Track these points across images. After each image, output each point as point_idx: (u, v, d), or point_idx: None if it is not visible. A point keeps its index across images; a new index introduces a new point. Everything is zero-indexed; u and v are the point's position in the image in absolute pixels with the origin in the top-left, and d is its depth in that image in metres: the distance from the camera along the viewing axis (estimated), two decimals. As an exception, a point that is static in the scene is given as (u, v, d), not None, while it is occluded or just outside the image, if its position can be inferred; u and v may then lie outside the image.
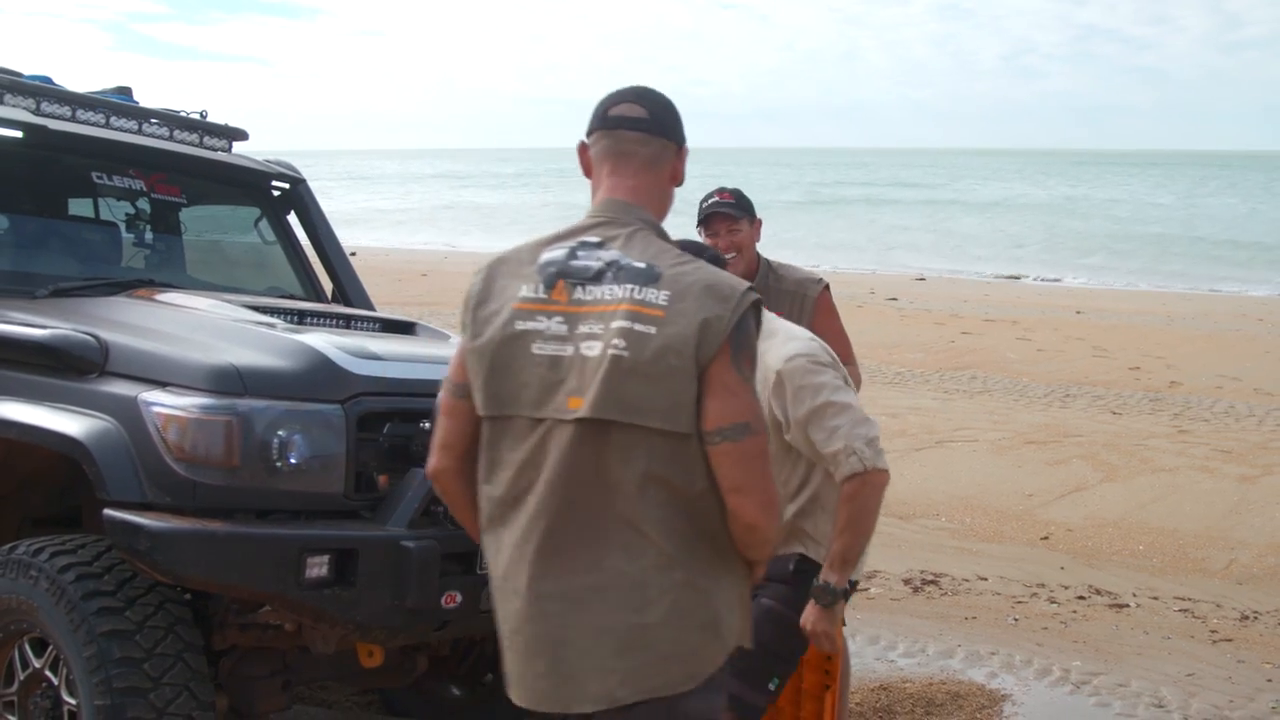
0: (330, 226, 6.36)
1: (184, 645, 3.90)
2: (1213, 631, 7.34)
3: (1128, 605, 7.76)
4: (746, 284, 2.72)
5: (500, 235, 50.44)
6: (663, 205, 2.91)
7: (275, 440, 3.85)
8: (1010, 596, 7.83)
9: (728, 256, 5.03)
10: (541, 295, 2.73)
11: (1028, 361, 16.92)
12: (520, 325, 2.72)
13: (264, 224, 6.30)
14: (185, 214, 6.03)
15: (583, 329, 2.67)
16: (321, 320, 4.95)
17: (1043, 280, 33.49)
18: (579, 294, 2.70)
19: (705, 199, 5.15)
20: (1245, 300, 28.59)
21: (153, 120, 5.88)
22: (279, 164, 6.36)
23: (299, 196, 6.30)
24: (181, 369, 3.95)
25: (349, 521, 4.00)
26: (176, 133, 5.95)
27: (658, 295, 2.64)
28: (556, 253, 2.77)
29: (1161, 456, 11.69)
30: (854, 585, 3.98)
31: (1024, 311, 22.69)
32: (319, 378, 4.01)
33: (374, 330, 5.01)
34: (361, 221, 51.14)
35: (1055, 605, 7.69)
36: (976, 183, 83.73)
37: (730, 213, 4.95)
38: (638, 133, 2.85)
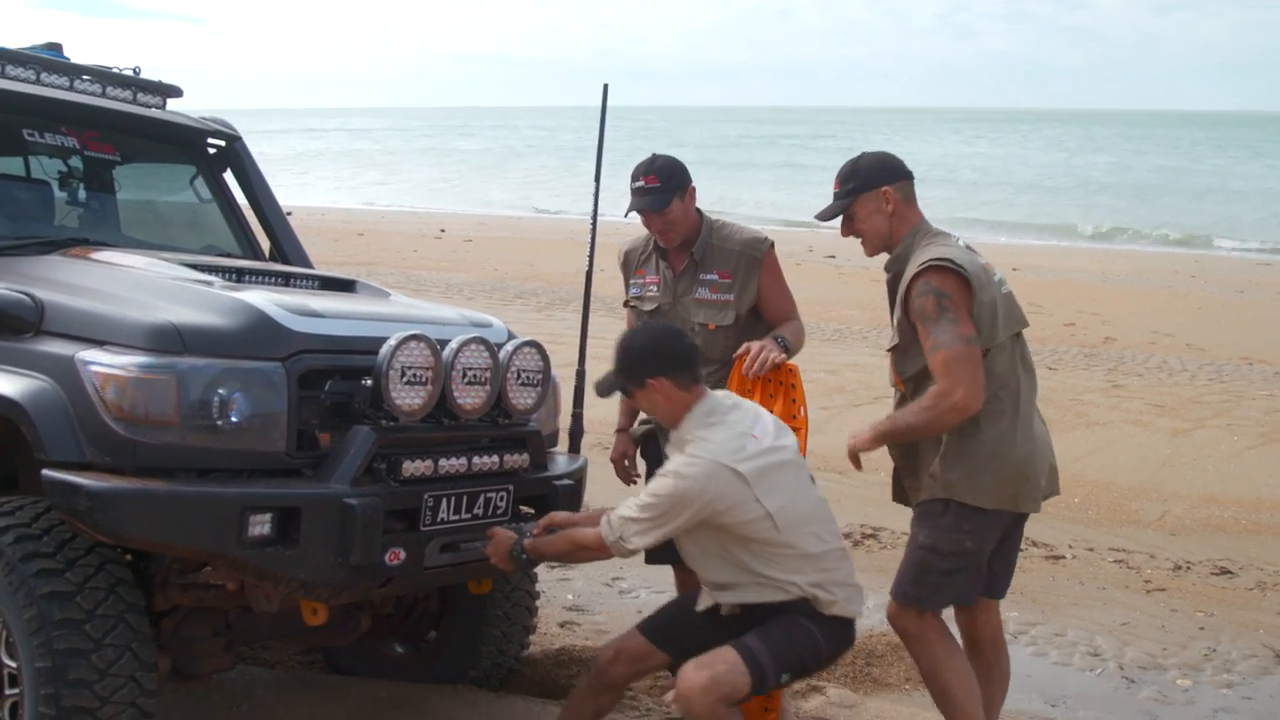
0: (267, 184, 6.29)
1: (125, 606, 3.87)
2: (1146, 581, 7.48)
3: (1064, 557, 7.89)
4: None
5: (443, 195, 50.22)
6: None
7: (215, 399, 3.81)
8: (948, 550, 7.91)
9: (661, 234, 5.13)
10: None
11: (965, 318, 17.03)
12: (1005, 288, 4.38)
13: (199, 182, 6.22)
14: (119, 172, 5.94)
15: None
16: (260, 278, 4.90)
17: (981, 239, 33.70)
18: None
19: (633, 179, 5.14)
20: (1178, 258, 28.98)
21: (84, 77, 5.78)
22: (214, 121, 6.28)
23: (235, 154, 6.22)
24: (119, 328, 3.91)
25: (291, 480, 3.96)
26: (109, 89, 5.85)
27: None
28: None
29: (1096, 411, 11.87)
30: None
31: (961, 269, 22.81)
32: (259, 335, 3.98)
33: (314, 288, 4.97)
34: (295, 184, 50.62)
35: (993, 557, 7.78)
36: (914, 141, 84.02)
37: (652, 206, 5.04)
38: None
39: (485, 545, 4.26)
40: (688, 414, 4.16)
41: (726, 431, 4.09)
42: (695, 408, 4.16)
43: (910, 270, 4.26)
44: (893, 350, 4.41)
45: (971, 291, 4.21)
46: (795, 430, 4.73)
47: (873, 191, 4.48)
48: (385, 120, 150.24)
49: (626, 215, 5.12)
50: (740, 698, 3.99)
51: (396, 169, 65.74)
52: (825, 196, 4.71)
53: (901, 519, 8.35)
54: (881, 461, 9.49)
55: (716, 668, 3.96)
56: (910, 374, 4.35)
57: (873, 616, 6.60)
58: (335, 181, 57.09)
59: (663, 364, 4.17)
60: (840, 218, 4.58)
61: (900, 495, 4.69)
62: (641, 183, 5.09)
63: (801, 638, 4.08)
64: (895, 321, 4.40)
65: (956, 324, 4.15)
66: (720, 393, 4.35)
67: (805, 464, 4.31)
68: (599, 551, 4.14)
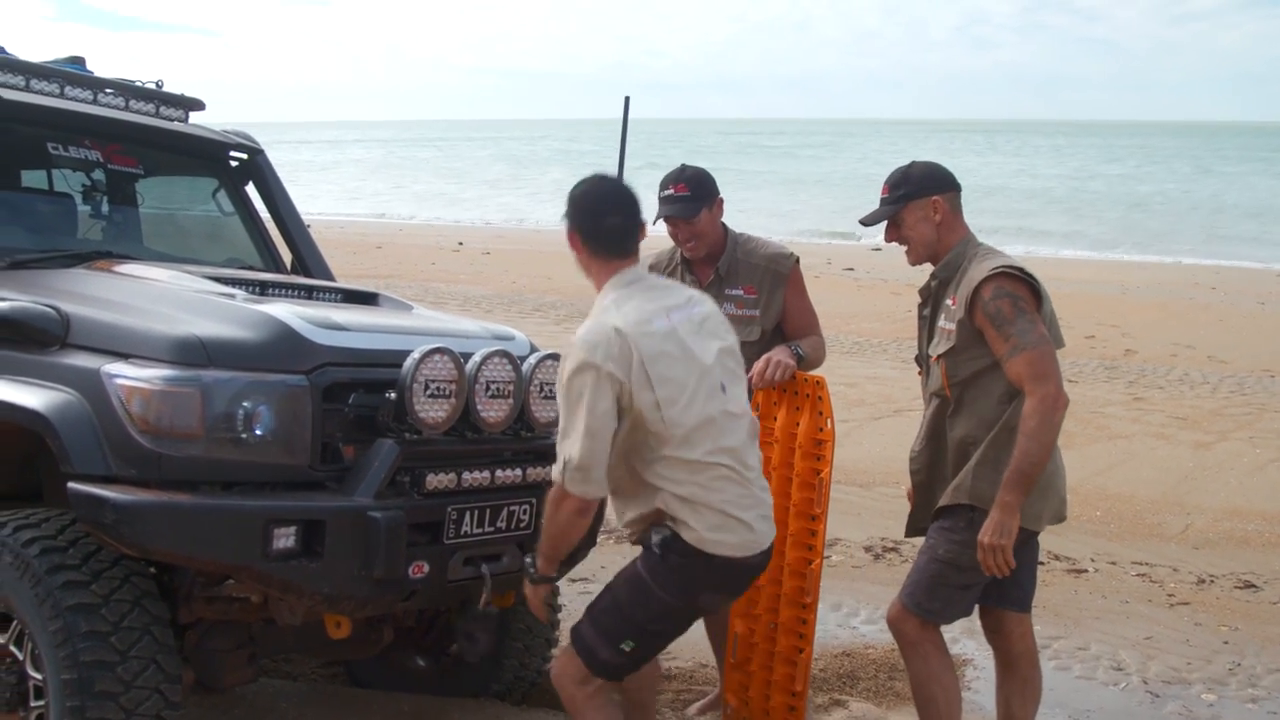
0: (289, 197, 6.32)
1: (150, 618, 3.88)
2: (1170, 595, 7.45)
3: (1086, 570, 7.86)
4: None
5: (459, 206, 50.35)
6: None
7: (240, 411, 3.83)
8: (970, 563, 7.88)
9: (686, 244, 5.12)
10: None
11: (984, 330, 16.99)
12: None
13: (222, 195, 6.24)
14: (142, 185, 5.97)
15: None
16: (283, 291, 4.92)
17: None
18: None
19: (662, 187, 5.16)
20: (1198, 269, 28.86)
21: (108, 90, 5.82)
22: (236, 134, 6.30)
23: (257, 167, 6.25)
24: (144, 341, 3.93)
25: (315, 493, 3.99)
26: (132, 103, 5.89)
27: None
28: None
29: (1117, 424, 11.83)
30: None
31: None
32: (283, 348, 3.99)
33: (336, 301, 4.99)
34: (315, 195, 50.79)
35: (1014, 571, 7.76)
36: (931, 155, 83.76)
37: (682, 214, 5.05)
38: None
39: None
40: (607, 283, 3.95)
41: (637, 303, 3.85)
42: (615, 276, 3.94)
43: (977, 274, 4.26)
44: (946, 355, 4.38)
45: (1039, 301, 4.23)
46: (822, 443, 4.73)
47: (922, 200, 4.48)
48: (399, 132, 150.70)
49: (655, 222, 5.12)
50: (584, 677, 3.94)
51: (412, 182, 65.86)
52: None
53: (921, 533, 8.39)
54: (903, 476, 9.47)
55: (559, 658, 4.06)
56: (962, 377, 4.33)
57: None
58: (351, 194, 57.23)
59: (579, 220, 3.96)
60: (885, 224, 4.58)
61: (916, 528, 4.66)
62: (671, 190, 5.10)
63: (630, 597, 3.89)
64: (946, 327, 4.38)
65: (1035, 324, 4.17)
66: (656, 275, 4.15)
67: (734, 375, 4.01)
68: (565, 503, 3.79)
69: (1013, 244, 34.71)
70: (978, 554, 4.18)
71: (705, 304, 4.07)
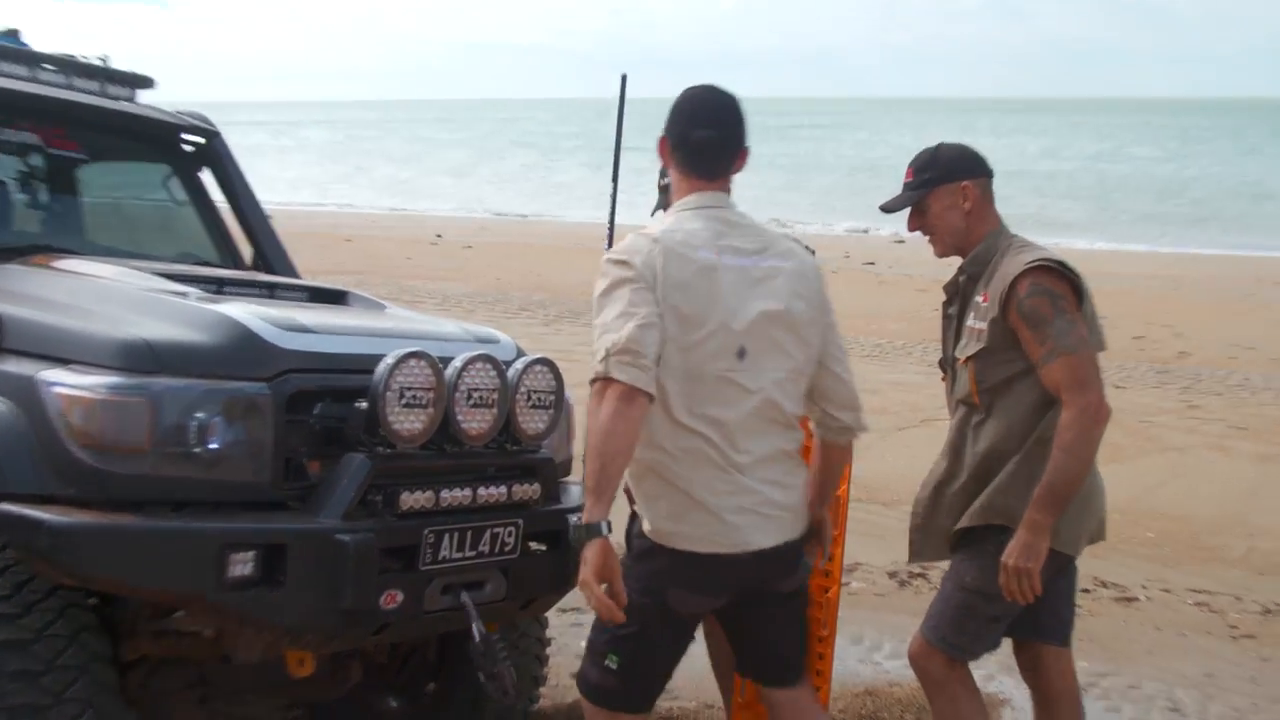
0: (249, 185, 6.31)
1: (89, 656, 3.85)
2: (1232, 627, 7.43)
3: (1137, 599, 7.84)
4: None
5: (435, 196, 50.39)
6: None
7: (193, 423, 3.80)
8: (1007, 590, 7.86)
9: None
10: None
11: (1021, 331, 16.99)
12: None
13: (174, 182, 6.25)
14: (85, 171, 5.98)
15: None
16: (242, 289, 4.91)
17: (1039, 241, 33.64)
18: None
19: (663, 174, 5.13)
20: (1261, 262, 28.88)
21: (47, 66, 5.81)
22: (191, 115, 6.30)
23: (213, 151, 6.25)
24: (86, 345, 3.91)
25: (277, 513, 3.96)
26: (74, 80, 5.89)
27: None
28: None
29: (1170, 434, 11.82)
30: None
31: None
32: (242, 353, 3.98)
33: (301, 300, 4.98)
34: (275, 182, 50.81)
35: (1057, 599, 7.74)
36: (961, 136, 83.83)
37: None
38: None
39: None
40: (683, 199, 3.93)
41: (694, 226, 3.81)
42: (691, 196, 3.91)
43: (1012, 268, 4.23)
44: (975, 357, 4.34)
45: (1080, 298, 4.21)
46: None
47: (951, 185, 4.44)
48: (370, 113, 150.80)
49: (653, 214, 5.10)
50: (598, 701, 3.97)
51: (385, 168, 65.90)
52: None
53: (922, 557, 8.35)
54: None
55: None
56: (992, 383, 4.29)
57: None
58: (315, 182, 57.27)
59: (671, 125, 3.94)
60: (908, 211, 4.54)
61: (923, 550, 4.62)
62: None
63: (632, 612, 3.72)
64: (976, 327, 4.35)
65: (1075, 325, 4.13)
66: (742, 213, 3.98)
67: (770, 345, 3.83)
68: (609, 394, 3.57)
69: (1048, 235, 34.75)
70: (1000, 577, 4.13)
71: (787, 260, 3.92)
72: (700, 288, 3.72)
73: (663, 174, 5.07)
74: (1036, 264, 4.19)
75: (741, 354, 3.78)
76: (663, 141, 3.95)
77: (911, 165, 4.54)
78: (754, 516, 3.83)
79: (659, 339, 3.63)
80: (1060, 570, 4.28)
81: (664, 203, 5.02)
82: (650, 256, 3.69)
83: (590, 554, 3.59)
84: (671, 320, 3.67)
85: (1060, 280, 4.19)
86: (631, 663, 3.91)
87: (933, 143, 4.66)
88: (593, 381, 3.62)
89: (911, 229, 4.58)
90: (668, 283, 3.67)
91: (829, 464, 4.14)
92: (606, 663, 3.89)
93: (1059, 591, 4.38)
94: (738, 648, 4.27)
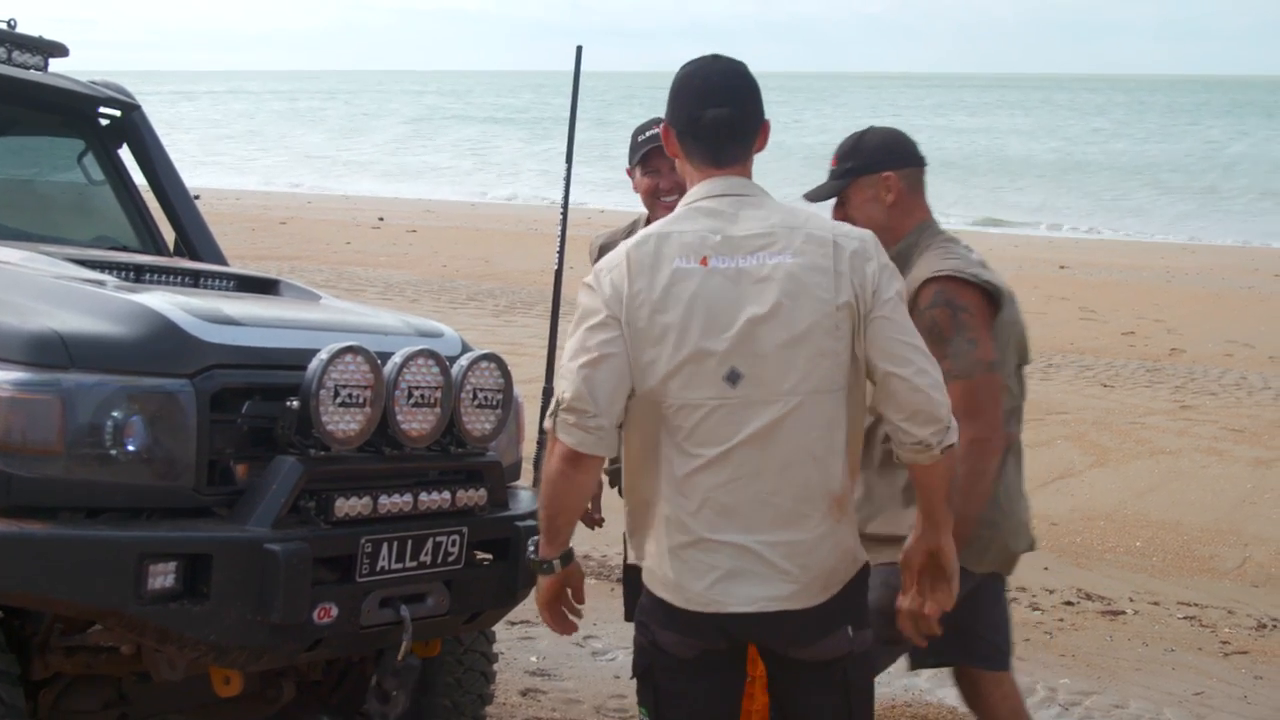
0: (171, 163, 6.27)
1: (-4, 674, 3.83)
2: (1224, 643, 7.49)
3: (1124, 612, 7.89)
4: None
5: (372, 177, 50.29)
6: None
7: (108, 423, 3.78)
8: (987, 603, 7.90)
9: (668, 198, 5.03)
10: None
11: (1004, 325, 17.08)
12: None
13: (89, 159, 6.21)
14: (-10, 147, 5.93)
15: None
16: (164, 277, 4.89)
17: (1021, 229, 33.81)
18: None
19: (641, 130, 5.13)
20: (1259, 253, 29.11)
21: (-54, 31, 5.76)
22: (108, 86, 6.25)
23: (133, 126, 6.21)
24: None
25: (201, 521, 3.93)
26: (-23, 47, 5.83)
27: None
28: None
29: (1161, 437, 11.89)
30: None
31: (999, 266, 22.65)
32: (162, 347, 3.94)
33: (228, 289, 4.96)
34: (205, 161, 50.59)
35: (1039, 613, 7.80)
36: (941, 114, 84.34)
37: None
38: None
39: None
40: (691, 189, 3.63)
41: (690, 225, 3.51)
42: (701, 186, 3.60)
43: (921, 272, 4.19)
44: None
45: (993, 308, 4.17)
46: None
47: (873, 175, 4.38)
48: (305, 84, 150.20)
49: (632, 165, 5.10)
50: None
51: (322, 144, 65.68)
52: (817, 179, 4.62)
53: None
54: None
55: None
56: None
57: (894, 684, 6.59)
58: (248, 160, 57.03)
59: (674, 111, 3.65)
60: (833, 201, 4.53)
61: None
62: (655, 130, 4.98)
63: (635, 649, 3.66)
64: None
65: (976, 345, 4.09)
66: (756, 199, 3.60)
67: (754, 357, 3.43)
68: (554, 449, 3.45)
69: (1029, 222, 35.00)
70: (898, 620, 3.87)
71: (796, 255, 3.46)
72: (673, 305, 3.41)
73: (639, 132, 5.07)
74: (944, 273, 4.15)
75: (733, 377, 3.41)
76: (666, 129, 3.66)
77: (836, 153, 4.49)
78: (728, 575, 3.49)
79: (617, 383, 3.41)
80: (972, 591, 4.15)
81: (643, 150, 5.03)
82: (617, 277, 3.45)
83: (542, 584, 3.60)
84: (643, 348, 3.41)
85: (968, 290, 4.11)
86: (660, 710, 3.63)
87: (862, 126, 4.64)
88: (542, 430, 3.56)
89: (836, 219, 4.50)
90: (633, 305, 3.41)
91: (922, 487, 3.60)
92: (641, 716, 3.67)
93: (980, 613, 4.31)
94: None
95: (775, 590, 3.45)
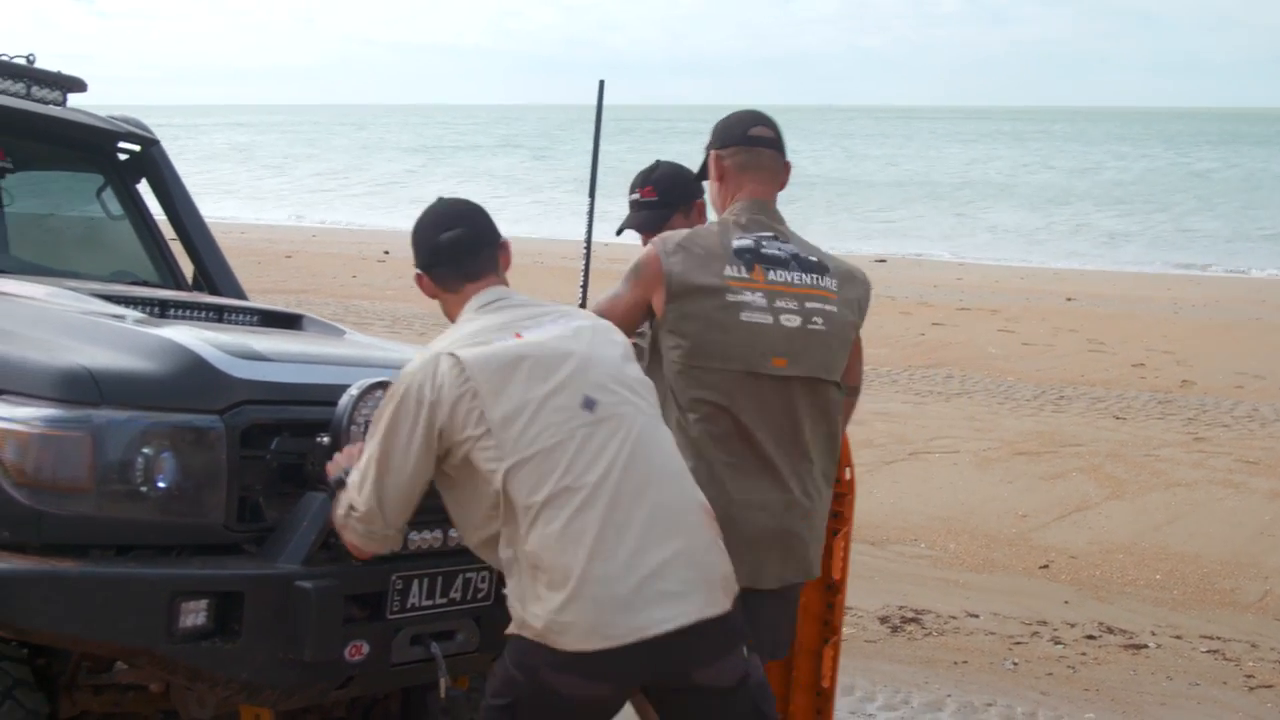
0: (190, 197, 6.28)
1: (24, 713, 3.81)
2: (1248, 676, 7.44)
3: (1146, 646, 7.85)
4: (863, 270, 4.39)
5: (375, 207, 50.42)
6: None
7: (139, 460, 3.76)
8: (1007, 636, 7.88)
9: None
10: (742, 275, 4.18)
11: (1012, 357, 17.12)
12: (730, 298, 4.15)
13: (108, 194, 6.22)
14: (10, 181, 5.92)
15: (781, 305, 4.16)
16: (188, 312, 4.88)
17: (1025, 262, 33.83)
18: (774, 275, 4.20)
19: (630, 189, 5.07)
20: (1265, 283, 29.11)
21: (-34, 66, 5.76)
22: (127, 121, 6.26)
23: (152, 161, 6.22)
24: (20, 373, 3.85)
25: (231, 558, 3.93)
26: (-3, 81, 5.83)
27: (830, 282, 4.27)
28: (743, 241, 4.23)
29: (1176, 469, 11.85)
30: None
31: (1005, 298, 22.95)
32: (192, 383, 3.93)
33: (253, 324, 4.96)
34: (206, 193, 50.64)
35: (1060, 646, 7.76)
36: (939, 148, 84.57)
37: (647, 224, 4.93)
38: (771, 150, 4.39)
39: None
40: (461, 313, 3.86)
41: (483, 323, 3.74)
42: (470, 302, 3.85)
43: None
44: None
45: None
46: (840, 495, 4.68)
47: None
48: (308, 117, 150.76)
49: (619, 234, 5.09)
50: None
51: (327, 177, 65.82)
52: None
53: (949, 600, 8.40)
54: (921, 530, 9.46)
55: None
56: None
57: (917, 719, 6.55)
58: (249, 193, 57.16)
59: (417, 252, 3.95)
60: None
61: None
62: (637, 195, 5.01)
63: (497, 678, 3.60)
64: None
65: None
66: (521, 296, 3.89)
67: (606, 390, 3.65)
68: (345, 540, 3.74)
69: (1033, 254, 35.04)
70: None
71: (584, 317, 3.91)
72: (524, 382, 3.61)
73: (633, 187, 5.04)
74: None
75: (588, 404, 3.61)
76: (419, 276, 3.96)
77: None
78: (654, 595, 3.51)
79: (402, 487, 3.63)
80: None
81: (634, 221, 5.00)
82: (447, 372, 3.59)
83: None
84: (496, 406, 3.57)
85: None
86: None
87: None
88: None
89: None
90: (483, 385, 3.58)
91: None
92: None
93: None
94: None
95: (689, 604, 3.50)
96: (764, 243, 4.24)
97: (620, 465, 3.53)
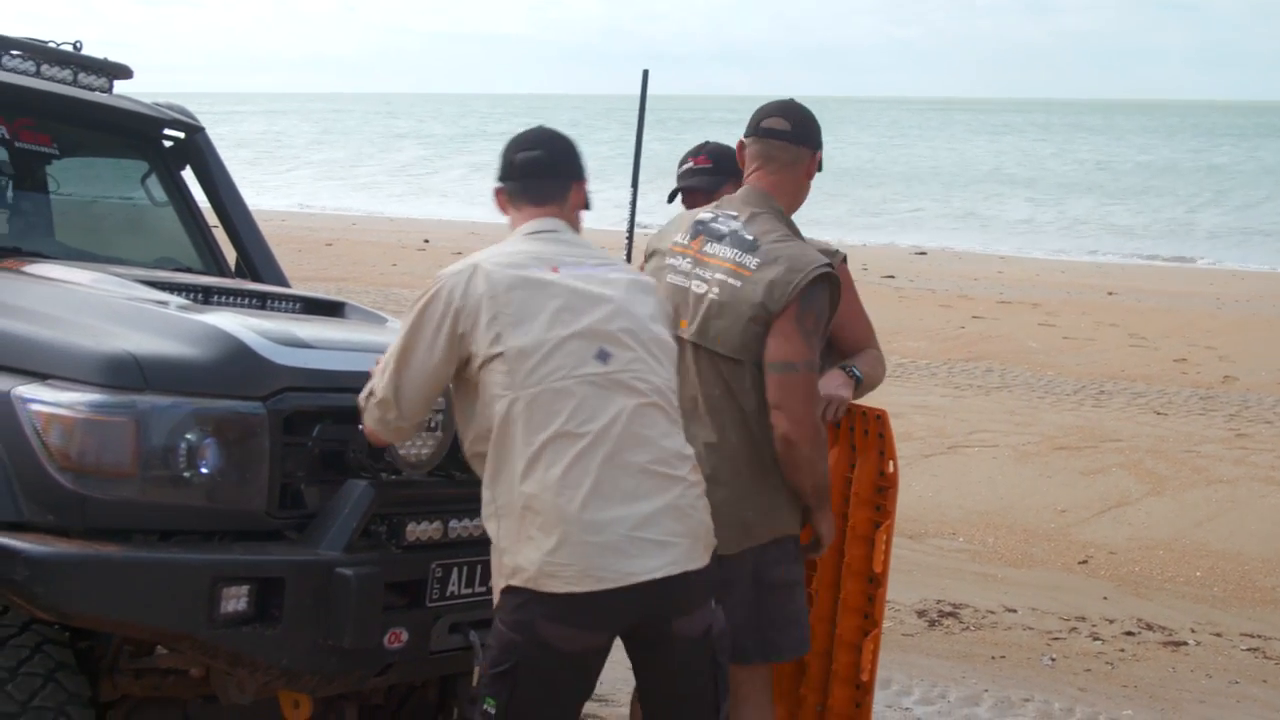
0: (234, 185, 6.29)
1: (66, 696, 3.83)
2: (1289, 675, 7.41)
3: (1186, 643, 7.81)
4: (825, 260, 4.27)
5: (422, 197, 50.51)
6: (796, 196, 4.53)
7: (182, 445, 3.78)
8: (1045, 632, 7.86)
9: None
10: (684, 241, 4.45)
11: (1053, 351, 17.02)
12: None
13: (153, 180, 6.23)
14: (56, 168, 5.95)
15: (698, 272, 4.34)
16: (232, 299, 4.89)
17: (1066, 255, 33.66)
18: (707, 247, 4.37)
19: (681, 163, 5.17)
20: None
21: (15, 52, 5.78)
22: (172, 108, 6.28)
23: (196, 148, 6.23)
24: (66, 358, 3.87)
25: (273, 544, 3.94)
26: (44, 68, 5.85)
27: (751, 260, 4.26)
28: (705, 215, 4.47)
29: (1217, 465, 11.77)
30: None
31: (1046, 292, 22.81)
32: (236, 369, 3.95)
33: (296, 311, 4.97)
34: (248, 182, 50.77)
35: (1099, 643, 7.73)
36: (979, 139, 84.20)
37: (703, 186, 5.06)
38: (781, 142, 4.47)
39: None
40: (513, 234, 4.00)
41: (526, 248, 3.87)
42: (524, 226, 3.98)
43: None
44: None
45: None
46: (884, 489, 4.67)
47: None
48: (348, 105, 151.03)
49: (670, 200, 5.20)
50: None
51: (365, 165, 65.95)
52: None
53: (987, 595, 8.38)
54: (960, 524, 9.42)
55: None
56: None
57: (954, 713, 6.55)
58: (290, 180, 57.30)
59: (501, 164, 4.08)
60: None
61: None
62: (691, 164, 5.17)
63: (494, 647, 3.68)
64: None
65: None
66: (575, 236, 4.03)
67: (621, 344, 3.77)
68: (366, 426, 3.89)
69: (1070, 245, 34.85)
70: None
71: (625, 270, 4.06)
72: (545, 315, 3.76)
73: (684, 160, 5.11)
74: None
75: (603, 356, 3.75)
76: (498, 190, 4.07)
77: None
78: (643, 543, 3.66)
79: (422, 380, 3.78)
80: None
81: (690, 182, 5.07)
82: (469, 284, 3.75)
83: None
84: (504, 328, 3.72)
85: None
86: (513, 703, 3.66)
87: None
88: None
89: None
90: (503, 307, 3.73)
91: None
92: (485, 705, 3.68)
93: None
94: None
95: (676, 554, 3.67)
96: (720, 218, 4.43)
97: (623, 420, 3.66)
